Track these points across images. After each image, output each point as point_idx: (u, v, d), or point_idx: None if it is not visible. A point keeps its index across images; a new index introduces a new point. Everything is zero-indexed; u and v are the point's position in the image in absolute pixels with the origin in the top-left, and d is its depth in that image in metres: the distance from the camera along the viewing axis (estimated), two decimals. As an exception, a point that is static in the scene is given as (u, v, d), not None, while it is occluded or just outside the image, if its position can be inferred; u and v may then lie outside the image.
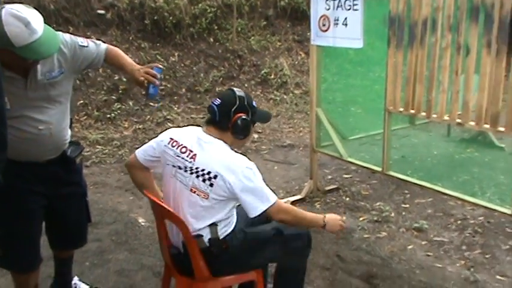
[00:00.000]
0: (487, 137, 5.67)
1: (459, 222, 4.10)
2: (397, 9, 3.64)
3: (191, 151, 2.34)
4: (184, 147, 2.37)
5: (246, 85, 7.81)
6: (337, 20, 3.97)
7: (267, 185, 2.34)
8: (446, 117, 3.53)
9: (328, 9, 4.03)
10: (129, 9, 7.46)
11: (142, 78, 2.54)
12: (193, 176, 2.30)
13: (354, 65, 5.83)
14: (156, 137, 2.53)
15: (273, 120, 7.13)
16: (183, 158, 2.35)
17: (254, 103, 2.47)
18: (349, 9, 3.87)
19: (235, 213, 2.45)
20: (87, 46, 2.49)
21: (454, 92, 3.48)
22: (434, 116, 3.60)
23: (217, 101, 2.39)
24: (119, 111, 6.68)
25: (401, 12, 3.63)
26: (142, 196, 3.19)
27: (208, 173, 2.27)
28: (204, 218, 2.31)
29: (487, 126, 3.29)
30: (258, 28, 8.40)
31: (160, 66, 2.65)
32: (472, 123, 3.38)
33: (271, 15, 8.56)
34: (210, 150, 2.33)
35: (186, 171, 2.33)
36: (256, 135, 6.49)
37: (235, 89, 2.46)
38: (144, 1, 7.51)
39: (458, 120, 3.46)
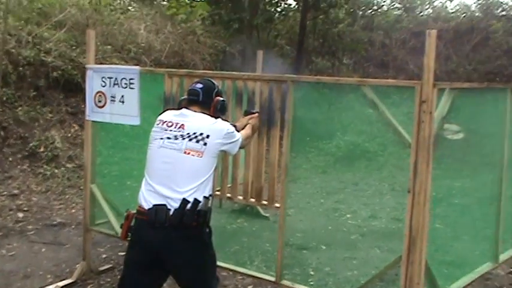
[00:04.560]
0: (255, 207, 6.18)
1: (231, 292, 4.31)
2: (171, 90, 3.86)
3: (177, 123, 2.86)
4: (170, 122, 2.89)
5: (10, 159, 7.16)
6: (114, 97, 4.02)
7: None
8: (217, 192, 3.78)
9: (105, 86, 4.06)
10: None
11: None
12: (185, 141, 2.80)
13: (130, 139, 5.86)
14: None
15: (41, 196, 6.63)
16: (171, 130, 2.85)
17: None
18: (125, 87, 3.95)
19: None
20: None
21: (223, 168, 3.77)
22: (207, 190, 3.81)
23: (200, 85, 3.02)
24: None
25: (175, 93, 3.85)
26: None
27: (201, 134, 2.81)
28: (198, 176, 2.76)
29: (253, 200, 3.63)
30: (27, 98, 7.89)
31: None
32: (240, 197, 3.69)
33: (42, 86, 8.14)
34: (196, 118, 2.88)
35: (177, 139, 2.82)
36: (21, 214, 5.94)
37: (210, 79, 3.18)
38: None
39: (229, 195, 3.73)
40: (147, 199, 2.81)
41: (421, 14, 14.69)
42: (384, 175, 8.82)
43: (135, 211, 2.90)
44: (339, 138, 10.12)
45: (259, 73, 5.89)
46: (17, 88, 7.84)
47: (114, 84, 4.02)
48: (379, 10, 14.58)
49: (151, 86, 4.17)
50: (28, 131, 7.59)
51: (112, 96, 4.04)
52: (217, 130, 2.88)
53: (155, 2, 12.33)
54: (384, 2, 15.03)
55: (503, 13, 13.16)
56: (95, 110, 4.16)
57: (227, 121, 3.10)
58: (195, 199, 2.74)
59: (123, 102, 3.99)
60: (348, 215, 6.54)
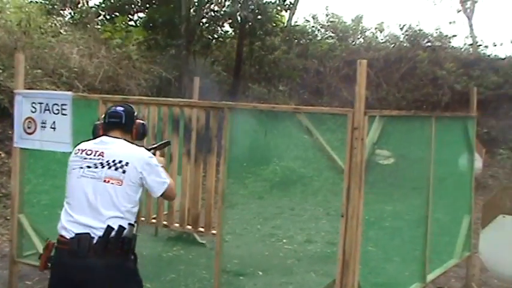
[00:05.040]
0: (191, 234, 6.10)
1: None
2: (105, 116, 3.78)
3: (97, 151, 2.78)
4: (90, 150, 2.81)
5: None
6: (45, 123, 3.90)
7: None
8: (153, 220, 3.72)
9: (35, 112, 3.94)
10: None
11: None
12: (105, 169, 2.72)
13: (62, 165, 5.65)
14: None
15: (-37, 228, 6.25)
16: (90, 159, 2.77)
17: None
18: (57, 113, 3.85)
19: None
20: None
21: (160, 195, 3.71)
22: (143, 219, 3.75)
23: (121, 108, 2.93)
24: None
25: (110, 119, 3.78)
26: None
27: (120, 161, 2.73)
28: (120, 203, 2.68)
29: (190, 227, 3.59)
30: (-51, 124, 7.49)
31: None
32: (177, 225, 3.64)
33: (-34, 111, 7.75)
34: (116, 145, 2.79)
35: (96, 167, 2.73)
36: None
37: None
38: None
39: (165, 223, 3.68)
40: (68, 229, 2.72)
41: (354, 43, 15.32)
42: (319, 200, 8.97)
43: (55, 241, 2.80)
44: (275, 164, 10.23)
45: (195, 99, 5.90)
46: None
47: (45, 110, 3.90)
48: (313, 39, 15.05)
49: (84, 112, 4.07)
50: (-50, 158, 7.19)
51: (43, 123, 3.92)
52: (137, 158, 2.78)
53: (89, 26, 12.11)
54: (318, 31, 15.55)
55: (429, 44, 13.95)
56: (24, 136, 4.01)
57: (154, 155, 3.00)
58: (120, 226, 2.69)
59: (54, 128, 3.87)
60: (285, 240, 6.59)
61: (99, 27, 12.75)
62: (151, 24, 12.82)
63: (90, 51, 10.75)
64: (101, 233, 2.65)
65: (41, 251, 4.11)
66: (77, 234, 2.67)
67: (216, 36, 14.10)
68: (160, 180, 2.82)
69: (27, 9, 10.22)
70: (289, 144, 10.71)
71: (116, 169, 2.72)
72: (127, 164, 2.74)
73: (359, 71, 2.88)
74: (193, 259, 5.64)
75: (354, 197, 2.92)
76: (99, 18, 13.25)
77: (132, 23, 13.31)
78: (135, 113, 3.02)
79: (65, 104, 3.84)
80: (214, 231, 3.50)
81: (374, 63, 12.56)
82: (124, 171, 2.72)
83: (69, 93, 4.03)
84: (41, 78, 8.95)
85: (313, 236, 6.79)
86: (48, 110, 3.88)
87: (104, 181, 2.71)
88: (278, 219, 7.66)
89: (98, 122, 3.05)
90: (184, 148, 3.69)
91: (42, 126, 3.92)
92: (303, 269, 5.48)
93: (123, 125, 2.89)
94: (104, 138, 2.87)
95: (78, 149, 2.88)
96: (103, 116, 3.00)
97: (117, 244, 2.67)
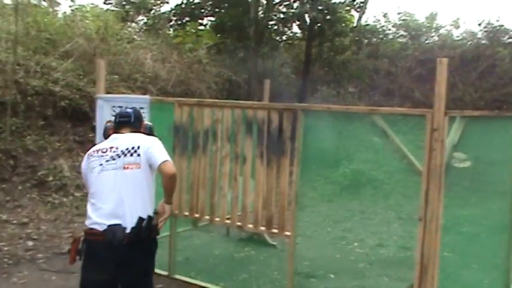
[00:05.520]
0: (262, 235, 6.14)
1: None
2: (180, 119, 3.89)
3: (111, 147, 2.98)
4: (104, 148, 3.00)
5: (20, 187, 7.17)
6: (124, 126, 4.03)
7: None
8: (227, 221, 3.78)
9: (115, 115, 4.09)
10: None
11: None
12: (121, 158, 2.91)
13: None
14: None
15: (50, 225, 6.62)
16: (107, 154, 2.95)
17: None
18: (135, 116, 3.98)
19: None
20: None
21: (233, 197, 3.77)
22: (217, 219, 3.82)
23: (130, 109, 3.19)
24: None
25: (185, 122, 3.88)
26: None
27: (133, 147, 2.93)
28: (143, 188, 2.89)
29: (263, 228, 3.62)
30: (36, 127, 7.96)
31: None
32: (251, 225, 3.68)
33: (50, 115, 8.21)
34: (127, 136, 3.02)
35: (114, 159, 2.92)
36: (30, 243, 5.92)
37: None
38: None
39: (239, 223, 3.73)
40: (99, 222, 2.87)
41: (427, 41, 14.79)
42: (390, 203, 8.78)
43: (80, 235, 2.99)
44: (345, 166, 10.11)
45: (266, 102, 5.94)
46: (26, 117, 7.91)
47: (125, 113, 4.05)
48: (384, 38, 14.70)
49: (160, 114, 4.21)
50: (37, 160, 7.63)
51: (122, 125, 4.06)
52: (147, 140, 3.01)
53: (161, 32, 12.51)
54: (389, 30, 15.17)
55: (510, 40, 13.21)
56: (105, 138, 4.18)
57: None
58: (149, 216, 2.89)
59: (133, 131, 4.01)
60: (356, 244, 6.49)
61: (170, 32, 13.13)
62: (220, 28, 13.03)
63: (163, 56, 11.10)
64: (132, 222, 2.84)
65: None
66: (109, 225, 2.84)
67: (284, 38, 14.12)
68: (162, 154, 2.97)
69: (104, 18, 10.70)
70: (358, 147, 10.56)
71: (131, 155, 2.93)
72: (138, 147, 2.94)
73: (439, 70, 2.79)
74: (264, 260, 5.68)
75: (432, 200, 2.83)
76: (171, 23, 13.64)
77: (201, 27, 13.59)
78: (142, 116, 3.26)
79: (143, 108, 3.98)
80: (287, 233, 3.50)
81: (449, 62, 12.03)
82: (138, 155, 2.93)
83: (147, 96, 4.17)
84: (117, 83, 9.33)
85: (385, 240, 6.65)
86: (128, 113, 4.03)
87: (124, 168, 2.90)
88: (348, 222, 7.56)
89: (109, 124, 3.28)
90: (257, 150, 3.72)
91: (122, 129, 4.06)
92: (375, 272, 5.37)
93: (132, 123, 3.13)
94: (114, 135, 3.09)
95: (94, 150, 3.07)
96: (114, 118, 3.22)
97: (147, 232, 2.87)
